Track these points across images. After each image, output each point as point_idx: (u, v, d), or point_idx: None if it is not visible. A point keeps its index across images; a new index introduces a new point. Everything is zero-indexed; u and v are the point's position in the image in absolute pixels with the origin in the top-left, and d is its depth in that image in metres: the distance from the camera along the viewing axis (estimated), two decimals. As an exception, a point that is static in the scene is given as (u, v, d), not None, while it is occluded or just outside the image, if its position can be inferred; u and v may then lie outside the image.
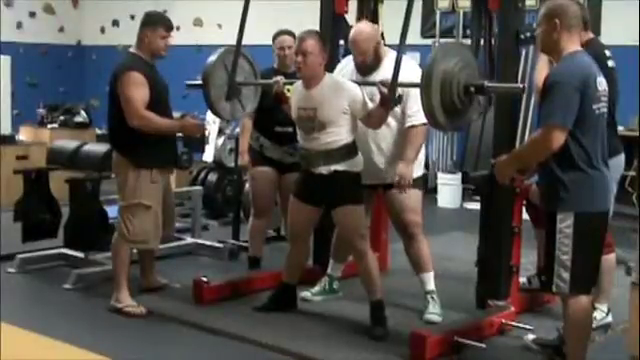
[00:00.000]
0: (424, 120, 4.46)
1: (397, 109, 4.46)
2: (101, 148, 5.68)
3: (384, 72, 4.49)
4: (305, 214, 4.50)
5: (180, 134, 5.12)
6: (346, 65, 4.81)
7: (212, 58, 4.77)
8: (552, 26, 3.52)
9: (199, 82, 4.76)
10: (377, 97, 4.51)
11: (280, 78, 4.62)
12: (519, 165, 3.79)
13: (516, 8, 4.41)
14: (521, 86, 4.05)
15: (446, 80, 3.77)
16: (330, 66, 5.05)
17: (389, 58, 4.52)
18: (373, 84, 4.24)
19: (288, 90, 4.57)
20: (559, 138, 3.39)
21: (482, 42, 4.81)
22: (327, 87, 4.33)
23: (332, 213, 4.40)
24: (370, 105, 4.27)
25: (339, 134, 4.30)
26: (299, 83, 4.47)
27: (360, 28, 4.68)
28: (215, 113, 4.93)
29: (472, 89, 3.84)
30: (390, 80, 4.11)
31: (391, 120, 4.53)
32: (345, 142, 4.31)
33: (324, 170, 4.32)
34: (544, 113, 3.45)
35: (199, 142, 7.25)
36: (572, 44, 3.53)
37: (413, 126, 4.50)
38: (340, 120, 4.28)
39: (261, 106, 5.32)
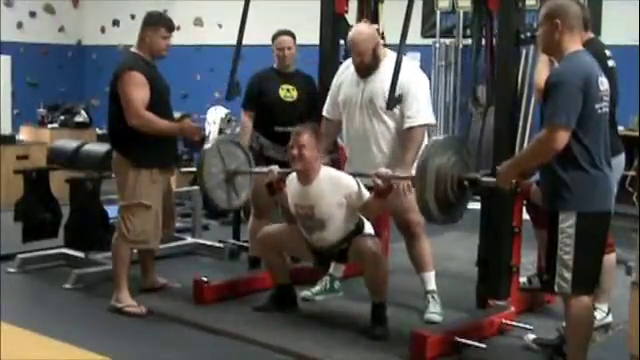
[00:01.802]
0: (422, 122, 4.48)
1: (396, 110, 4.46)
2: (101, 148, 5.67)
3: (383, 73, 4.49)
4: (302, 251, 4.58)
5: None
6: (347, 67, 4.79)
7: (207, 146, 4.76)
8: (553, 26, 3.51)
9: (194, 169, 4.75)
10: (375, 99, 4.53)
11: (275, 168, 4.53)
12: (523, 169, 3.80)
13: (516, 8, 4.41)
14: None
15: (440, 175, 3.82)
16: (331, 67, 5.07)
17: (388, 59, 4.52)
18: (369, 176, 4.21)
19: (283, 181, 4.50)
20: (563, 138, 3.39)
21: (483, 42, 4.81)
22: (323, 183, 4.32)
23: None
24: (367, 196, 4.25)
25: (341, 227, 4.33)
26: (294, 177, 4.43)
27: (359, 29, 4.68)
28: (210, 200, 4.85)
29: (466, 183, 3.91)
30: (386, 172, 4.14)
31: (389, 120, 4.53)
32: (351, 230, 4.35)
33: (342, 247, 4.40)
34: (547, 113, 3.44)
35: (200, 142, 7.26)
36: (574, 44, 3.53)
37: (411, 128, 4.49)
38: (338, 213, 4.30)
39: (261, 106, 5.33)
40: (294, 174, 4.42)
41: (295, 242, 4.53)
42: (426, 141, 4.43)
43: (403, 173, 4.40)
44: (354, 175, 4.36)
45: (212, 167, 4.70)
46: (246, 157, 4.88)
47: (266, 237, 4.59)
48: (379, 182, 4.10)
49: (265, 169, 4.58)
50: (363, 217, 4.40)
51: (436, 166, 3.82)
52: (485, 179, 3.98)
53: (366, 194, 4.25)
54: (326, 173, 4.36)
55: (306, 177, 4.34)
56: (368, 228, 4.42)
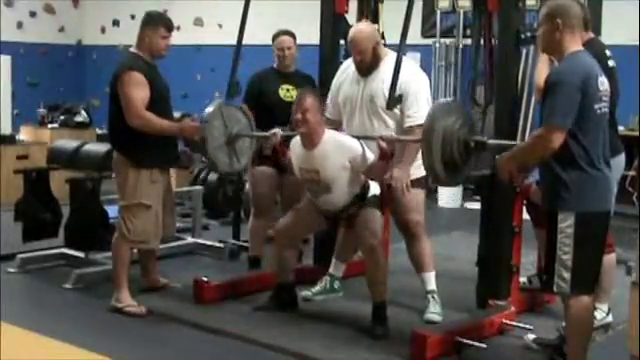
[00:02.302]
0: (422, 121, 4.47)
1: (396, 110, 4.46)
2: (101, 148, 5.68)
3: (383, 72, 4.49)
4: (315, 221, 4.56)
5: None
6: (347, 67, 4.79)
7: (209, 109, 4.74)
8: (554, 26, 3.52)
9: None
10: (376, 98, 4.53)
11: (278, 131, 4.57)
12: (520, 161, 3.79)
13: (516, 8, 4.41)
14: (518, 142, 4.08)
15: (447, 135, 3.81)
16: (331, 67, 5.07)
17: (388, 58, 4.53)
18: (373, 138, 4.23)
19: (287, 143, 4.52)
20: (559, 138, 3.39)
21: (482, 42, 4.81)
22: (328, 146, 4.31)
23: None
24: (371, 158, 4.25)
25: (346, 190, 4.32)
26: (297, 141, 4.43)
27: (359, 27, 4.69)
28: (212, 163, 4.87)
29: (472, 144, 3.90)
30: (391, 134, 4.16)
31: (389, 119, 4.54)
32: (356, 193, 4.35)
33: (350, 212, 4.40)
34: (545, 113, 3.45)
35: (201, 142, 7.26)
36: (574, 44, 3.53)
37: (411, 127, 4.49)
38: (343, 176, 4.29)
39: (261, 106, 5.32)
40: (298, 138, 4.42)
41: (308, 218, 4.53)
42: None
43: (402, 171, 4.41)
44: (358, 138, 4.37)
45: (214, 130, 4.70)
46: (248, 121, 4.88)
47: (282, 233, 4.57)
48: (383, 145, 4.12)
49: (269, 132, 4.62)
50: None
51: (442, 127, 3.81)
52: (492, 141, 3.98)
53: (370, 157, 4.26)
54: (330, 136, 4.36)
55: (310, 141, 4.33)
56: (374, 189, 4.42)
